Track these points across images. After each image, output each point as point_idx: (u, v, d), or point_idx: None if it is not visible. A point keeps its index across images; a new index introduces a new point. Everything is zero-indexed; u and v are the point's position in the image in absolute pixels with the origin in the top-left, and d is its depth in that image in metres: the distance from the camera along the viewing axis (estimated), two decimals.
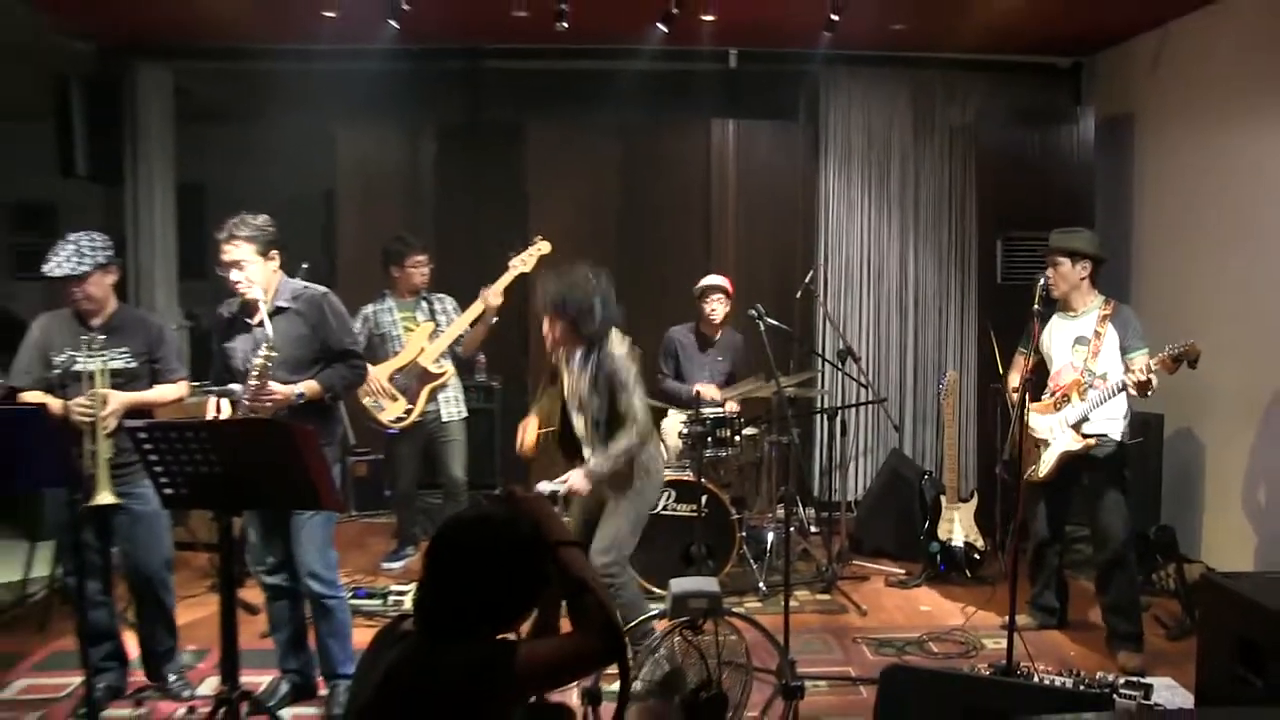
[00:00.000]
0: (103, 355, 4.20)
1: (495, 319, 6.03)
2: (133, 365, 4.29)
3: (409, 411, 6.05)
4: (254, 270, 4.17)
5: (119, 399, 4.19)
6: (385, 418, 6.06)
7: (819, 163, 7.42)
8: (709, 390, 6.16)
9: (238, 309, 4.32)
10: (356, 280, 6.95)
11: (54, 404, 4.11)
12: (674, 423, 6.21)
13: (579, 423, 4.43)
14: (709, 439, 5.87)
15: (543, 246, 5.95)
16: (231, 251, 4.14)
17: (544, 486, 4.70)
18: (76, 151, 6.93)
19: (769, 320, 5.77)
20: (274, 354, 4.03)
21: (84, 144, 6.93)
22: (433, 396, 6.17)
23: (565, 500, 4.87)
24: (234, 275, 4.16)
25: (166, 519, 4.49)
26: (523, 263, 5.92)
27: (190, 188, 7.64)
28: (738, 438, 5.98)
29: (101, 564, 4.44)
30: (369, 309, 6.21)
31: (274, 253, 4.25)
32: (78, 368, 4.18)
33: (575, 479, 4.33)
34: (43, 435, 3.58)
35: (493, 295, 5.91)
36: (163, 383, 4.39)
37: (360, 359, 4.47)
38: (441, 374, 6.13)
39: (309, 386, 4.20)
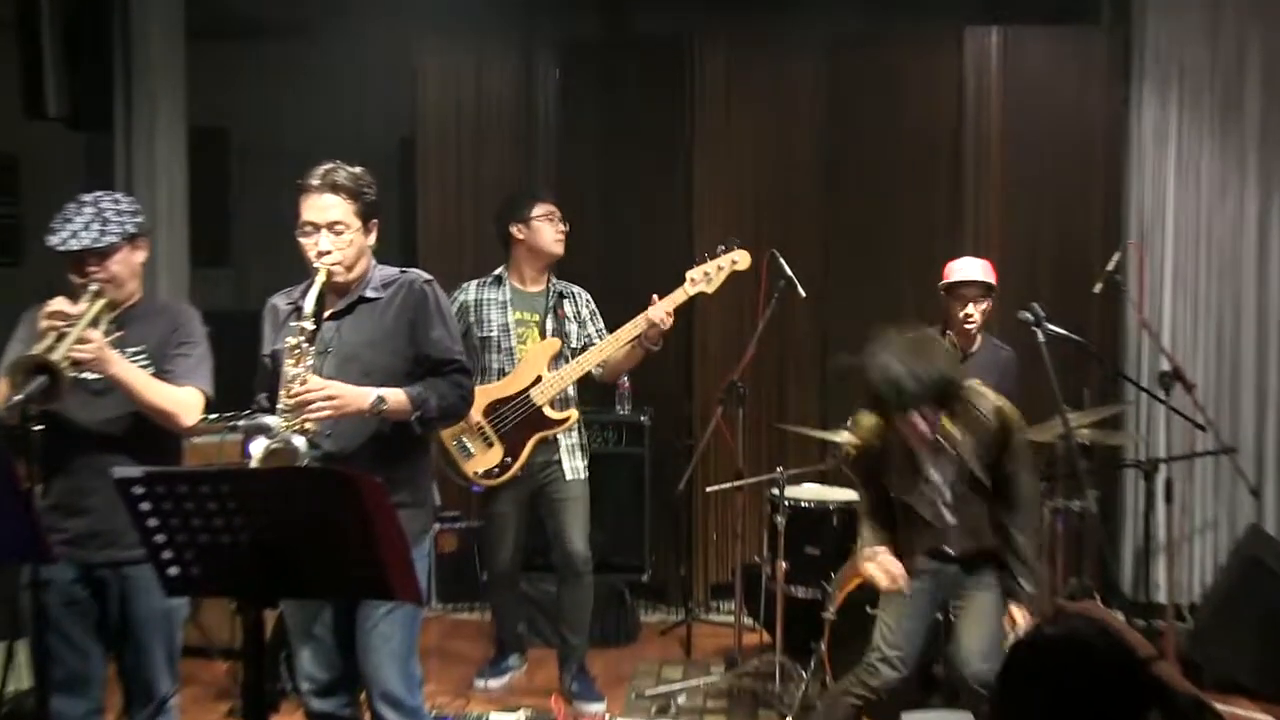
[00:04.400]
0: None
1: (658, 346, 5.92)
2: (149, 368, 4.38)
3: (507, 465, 5.92)
4: (352, 238, 4.28)
5: (105, 346, 4.16)
6: (471, 468, 5.94)
7: (1130, 87, 7.29)
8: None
9: (299, 297, 4.30)
10: (441, 261, 7.03)
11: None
12: None
13: (932, 493, 4.81)
14: None
15: (739, 259, 5.88)
16: (328, 207, 4.24)
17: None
18: (47, 85, 7.12)
19: (1050, 327, 5.64)
20: (307, 329, 4.10)
21: (57, 75, 7.14)
22: (547, 442, 6.06)
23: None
24: (324, 242, 4.22)
25: (179, 609, 4.55)
26: (706, 279, 5.89)
27: (206, 134, 7.99)
28: None
29: (86, 671, 4.48)
30: (471, 291, 6.17)
31: (373, 223, 4.38)
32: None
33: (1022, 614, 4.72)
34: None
35: (661, 314, 5.74)
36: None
37: (468, 376, 4.48)
38: (562, 420, 6.01)
39: (394, 395, 4.20)
